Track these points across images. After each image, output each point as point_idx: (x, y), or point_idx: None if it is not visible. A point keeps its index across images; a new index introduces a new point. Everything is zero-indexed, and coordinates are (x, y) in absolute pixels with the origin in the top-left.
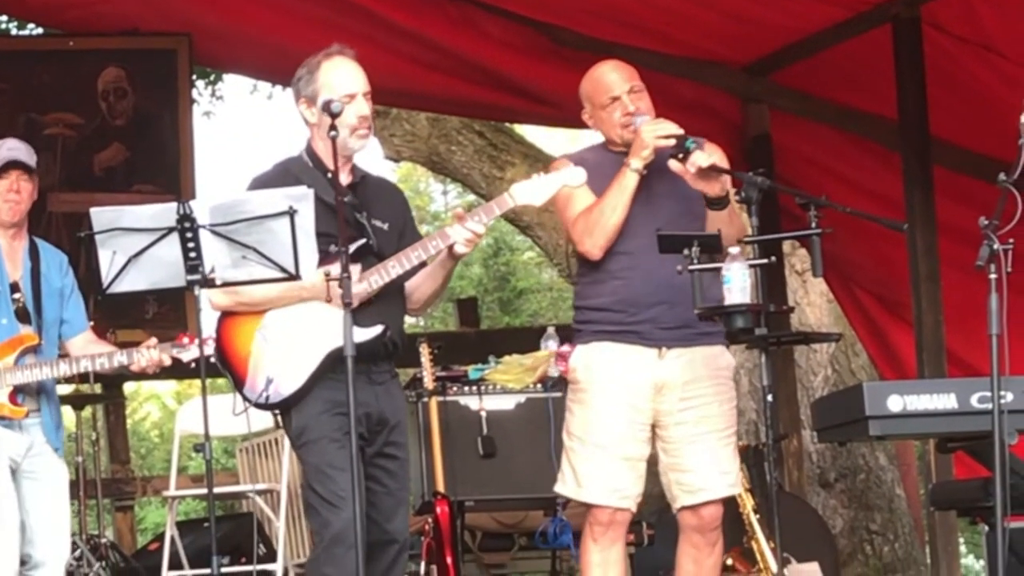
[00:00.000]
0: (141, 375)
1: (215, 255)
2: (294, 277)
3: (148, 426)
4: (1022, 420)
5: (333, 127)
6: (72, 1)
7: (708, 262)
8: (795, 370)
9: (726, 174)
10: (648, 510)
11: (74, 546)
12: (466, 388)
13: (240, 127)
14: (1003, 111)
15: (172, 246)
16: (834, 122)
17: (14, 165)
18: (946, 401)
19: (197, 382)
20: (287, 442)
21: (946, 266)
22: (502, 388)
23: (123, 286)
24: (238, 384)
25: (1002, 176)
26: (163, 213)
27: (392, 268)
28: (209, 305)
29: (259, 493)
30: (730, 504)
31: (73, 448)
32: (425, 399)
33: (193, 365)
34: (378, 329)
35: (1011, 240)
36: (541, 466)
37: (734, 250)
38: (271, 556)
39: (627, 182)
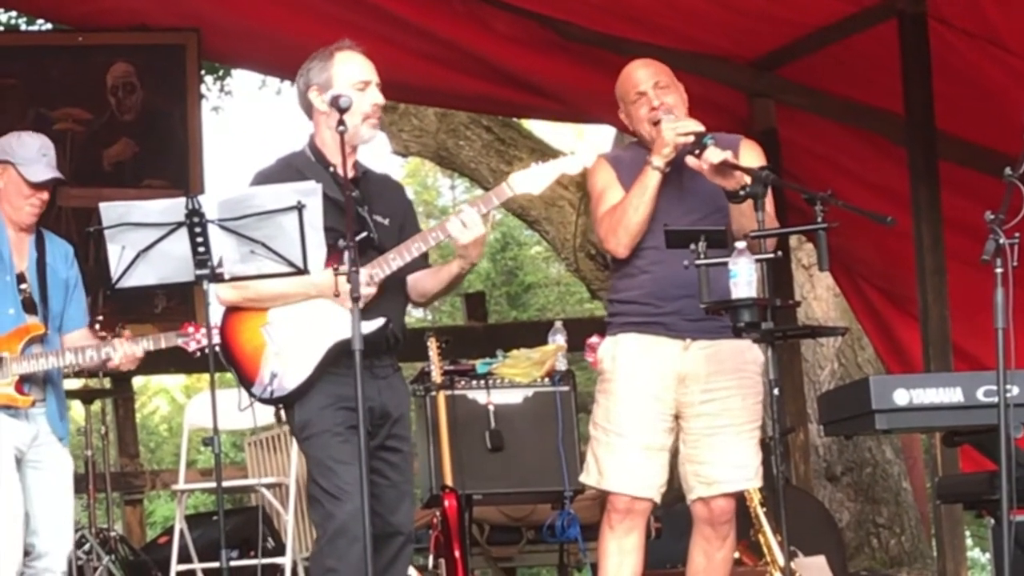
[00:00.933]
0: (120, 372)
1: (224, 250)
2: (302, 272)
3: (157, 420)
4: None
5: (341, 122)
6: None
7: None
8: (802, 364)
9: (740, 170)
10: (659, 503)
11: (83, 539)
12: (474, 382)
13: (249, 122)
14: (1009, 105)
15: (181, 241)
16: (840, 117)
17: (53, 182)
18: (952, 395)
19: (206, 376)
20: None
21: (952, 260)
22: (510, 382)
23: (132, 281)
24: (243, 379)
25: (1008, 170)
26: (172, 208)
27: (393, 261)
28: (216, 300)
29: (268, 487)
30: (738, 498)
31: (82, 442)
32: (433, 393)
33: (199, 355)
34: (380, 322)
35: (1017, 234)
36: (549, 460)
37: (740, 245)
38: (280, 549)
39: (649, 181)
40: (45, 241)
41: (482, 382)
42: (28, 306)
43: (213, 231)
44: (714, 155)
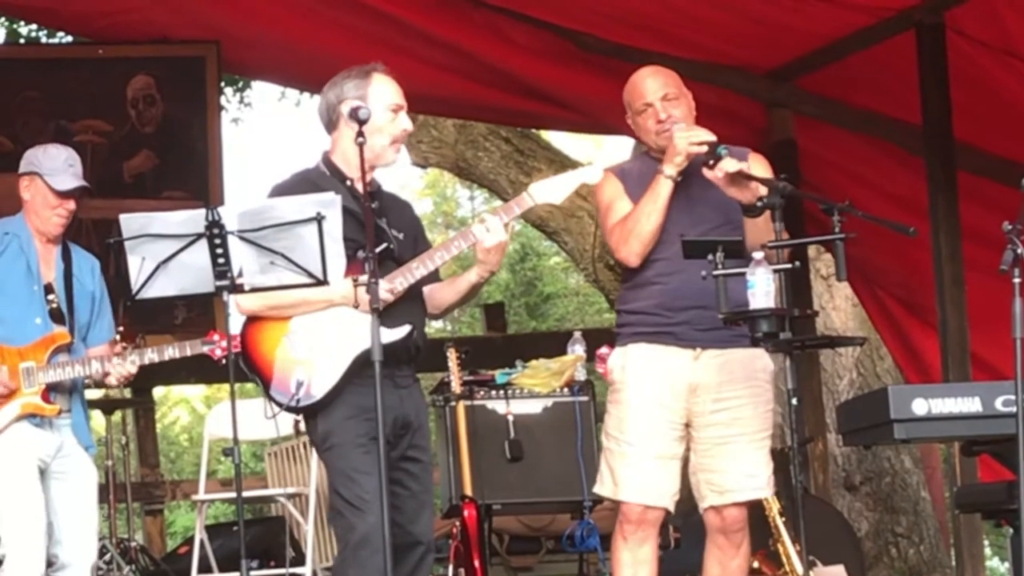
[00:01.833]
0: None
1: (243, 261)
2: (322, 282)
3: (177, 430)
4: None
5: (360, 133)
6: (102, 10)
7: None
8: (820, 374)
9: (756, 181)
10: (674, 513)
11: (104, 550)
12: (493, 392)
13: (268, 134)
14: None
15: (201, 252)
16: (858, 127)
17: (79, 191)
18: (971, 404)
19: (226, 387)
20: None
21: (970, 270)
22: (529, 392)
23: (152, 292)
24: (267, 388)
25: None
26: (192, 219)
27: (416, 270)
28: (237, 309)
29: (288, 497)
30: (756, 507)
31: (103, 452)
32: (453, 403)
33: (224, 362)
34: (405, 329)
35: None
36: (568, 470)
37: (758, 255)
38: (300, 559)
39: (661, 190)
40: (71, 253)
41: (501, 392)
42: (56, 317)
43: (233, 242)
44: (730, 165)
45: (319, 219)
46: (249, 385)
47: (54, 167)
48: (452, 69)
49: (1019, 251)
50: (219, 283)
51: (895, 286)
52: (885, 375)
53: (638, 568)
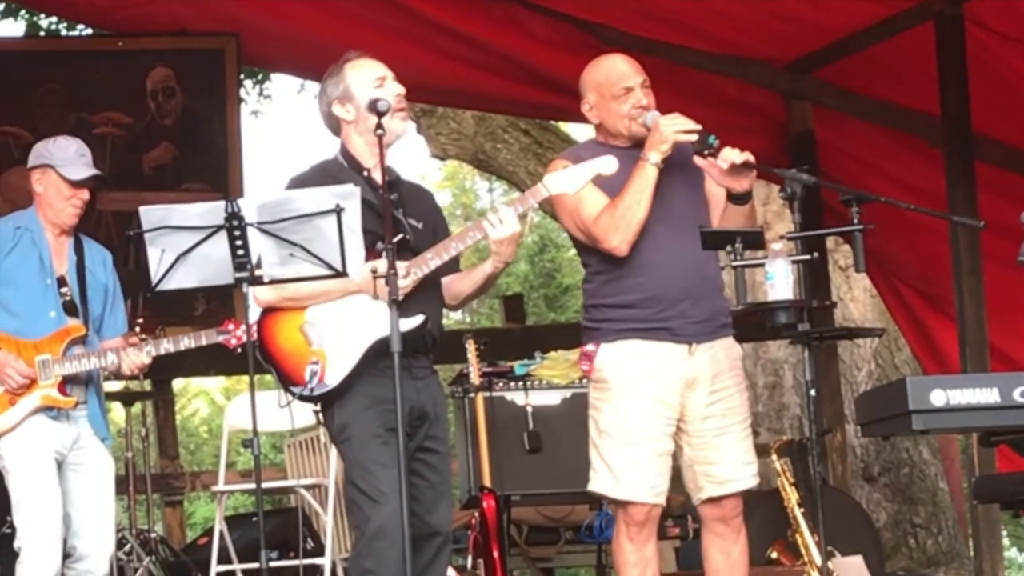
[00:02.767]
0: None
1: (263, 253)
2: (341, 274)
3: (197, 422)
4: None
5: (380, 126)
6: (121, 2)
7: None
8: (839, 365)
9: (757, 170)
10: (693, 504)
11: (124, 541)
12: (512, 384)
13: (287, 126)
14: None
15: (220, 244)
16: (877, 119)
17: (92, 179)
18: (989, 395)
19: (245, 378)
20: None
21: (988, 261)
22: (548, 383)
23: (172, 284)
24: (283, 378)
25: None
26: (211, 211)
27: (431, 260)
28: (254, 301)
29: (307, 488)
30: (775, 498)
31: (123, 444)
32: (471, 395)
33: (239, 351)
34: (419, 319)
35: None
36: (586, 461)
37: (777, 246)
38: (319, 550)
39: (648, 176)
40: (84, 246)
41: (520, 384)
42: (69, 309)
43: (252, 234)
44: (734, 155)
45: (338, 211)
46: (268, 377)
47: (66, 157)
48: (472, 62)
49: None
50: (239, 275)
51: (913, 277)
52: (903, 366)
53: (646, 567)
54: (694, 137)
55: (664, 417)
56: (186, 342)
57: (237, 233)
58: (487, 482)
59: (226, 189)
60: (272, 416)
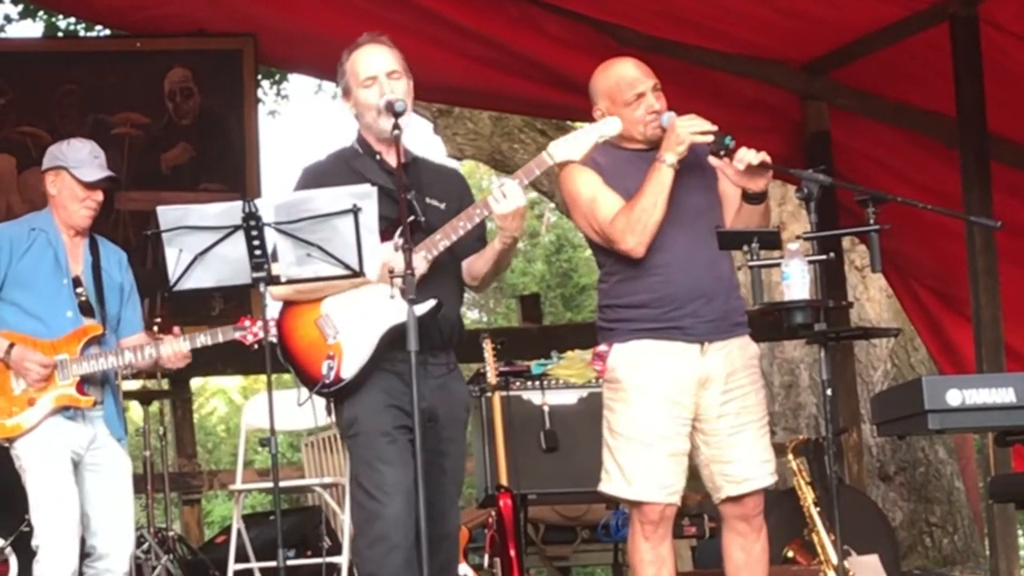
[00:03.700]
0: (178, 373)
1: (280, 252)
2: (358, 274)
3: (215, 421)
4: None
5: (396, 126)
6: (139, 3)
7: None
8: (855, 365)
9: (773, 171)
10: (710, 503)
11: (142, 539)
12: (529, 383)
13: (305, 126)
14: None
15: (237, 244)
16: (892, 119)
17: (106, 181)
18: (1005, 395)
19: (263, 377)
20: None
21: (1004, 261)
22: (564, 383)
23: (189, 283)
24: (301, 374)
25: None
26: (229, 211)
27: (440, 242)
28: (269, 296)
29: (324, 487)
30: (791, 497)
31: (141, 443)
32: (488, 394)
33: (256, 347)
34: (431, 303)
35: None
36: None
37: (793, 246)
38: (336, 549)
39: (664, 178)
40: (99, 246)
41: (537, 383)
42: (85, 309)
43: (269, 234)
44: (750, 156)
45: (355, 211)
46: (286, 376)
47: (80, 159)
48: (489, 62)
49: None
50: (256, 275)
51: (929, 277)
52: (919, 366)
53: (661, 567)
54: (710, 138)
55: (677, 417)
56: (203, 339)
57: (254, 233)
58: (504, 481)
59: (243, 189)
60: (290, 415)
